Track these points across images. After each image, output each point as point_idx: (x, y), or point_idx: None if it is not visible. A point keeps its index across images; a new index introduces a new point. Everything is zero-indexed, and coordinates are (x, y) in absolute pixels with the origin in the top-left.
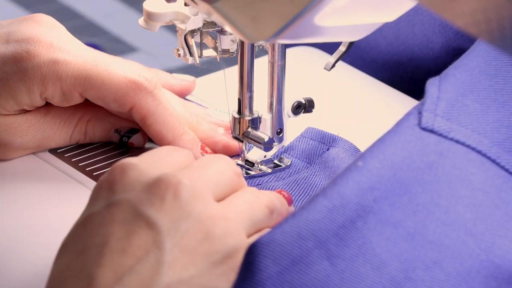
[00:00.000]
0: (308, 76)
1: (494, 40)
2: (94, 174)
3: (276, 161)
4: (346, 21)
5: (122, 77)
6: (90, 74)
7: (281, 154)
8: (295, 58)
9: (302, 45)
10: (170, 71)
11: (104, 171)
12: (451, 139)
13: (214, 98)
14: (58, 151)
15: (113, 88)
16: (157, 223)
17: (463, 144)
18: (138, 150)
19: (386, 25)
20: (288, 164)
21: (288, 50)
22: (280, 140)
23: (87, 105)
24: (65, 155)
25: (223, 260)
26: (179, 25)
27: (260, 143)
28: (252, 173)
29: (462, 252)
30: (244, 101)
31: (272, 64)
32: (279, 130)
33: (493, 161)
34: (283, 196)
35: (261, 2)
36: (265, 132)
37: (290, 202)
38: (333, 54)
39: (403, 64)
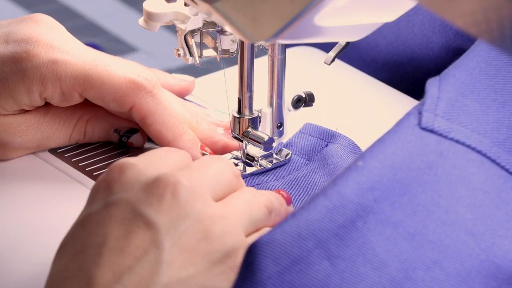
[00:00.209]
0: (308, 76)
1: (494, 40)
2: (94, 174)
3: (276, 155)
4: (346, 21)
5: (121, 77)
6: (89, 74)
7: (280, 149)
8: (295, 58)
9: (302, 45)
10: (170, 71)
11: (104, 171)
12: (451, 139)
13: (213, 98)
14: (58, 151)
15: (112, 88)
16: (155, 223)
17: (463, 144)
18: (137, 150)
19: (386, 25)
20: (288, 156)
21: (288, 50)
22: (280, 134)
23: (86, 105)
24: (65, 155)
25: (222, 259)
26: (179, 25)
27: (260, 142)
28: (252, 168)
29: (462, 252)
30: (244, 101)
31: (272, 58)
32: (279, 124)
33: (493, 161)
34: (282, 196)
35: (261, 2)
36: (265, 126)
37: (289, 201)
38: (333, 49)
39: (403, 64)
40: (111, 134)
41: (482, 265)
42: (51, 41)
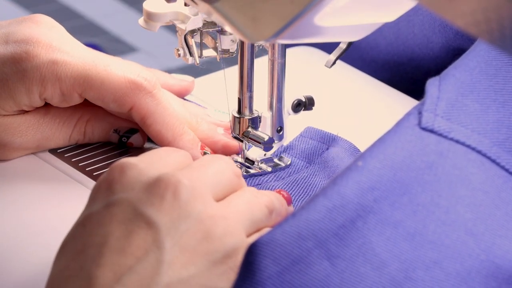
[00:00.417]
0: (308, 76)
1: (494, 40)
2: (94, 174)
3: (276, 160)
4: (346, 21)
5: (121, 78)
6: (89, 74)
7: (281, 154)
8: (295, 58)
9: (302, 45)
10: (170, 71)
11: (104, 171)
12: (451, 139)
13: (213, 98)
14: (58, 151)
15: (112, 89)
16: (156, 223)
17: (463, 144)
18: (137, 150)
19: (386, 25)
20: (288, 163)
21: (288, 50)
22: (280, 138)
23: (86, 105)
24: (65, 155)
25: (222, 259)
26: (179, 25)
27: (260, 142)
28: (252, 171)
29: (462, 252)
30: (244, 101)
31: (272, 62)
32: (279, 128)
33: (493, 161)
34: (283, 196)
35: (261, 2)
36: (265, 130)
37: (289, 202)
38: (334, 51)
39: (403, 64)
40: (110, 134)
41: (482, 265)
42: (51, 41)
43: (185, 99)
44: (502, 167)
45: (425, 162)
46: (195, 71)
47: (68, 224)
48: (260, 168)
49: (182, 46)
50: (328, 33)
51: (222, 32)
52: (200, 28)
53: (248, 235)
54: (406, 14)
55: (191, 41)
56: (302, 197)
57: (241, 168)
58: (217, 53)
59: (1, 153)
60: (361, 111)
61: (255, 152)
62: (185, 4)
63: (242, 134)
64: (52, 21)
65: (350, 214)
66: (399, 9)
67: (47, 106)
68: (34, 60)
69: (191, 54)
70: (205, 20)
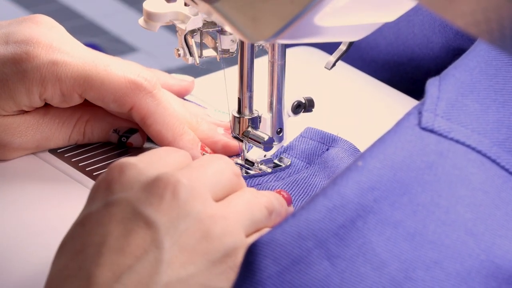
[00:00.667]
0: (308, 76)
1: (494, 40)
2: (94, 174)
3: (276, 161)
4: (346, 21)
5: (121, 78)
6: (89, 75)
7: (280, 154)
8: (295, 58)
9: (302, 45)
10: (170, 71)
11: (104, 171)
12: (451, 139)
13: (213, 98)
14: (58, 151)
15: (112, 89)
16: (155, 222)
17: (463, 144)
18: (137, 150)
19: (386, 25)
20: (288, 164)
21: (288, 50)
22: (280, 139)
23: (85, 105)
24: (65, 155)
25: (222, 259)
26: (179, 25)
27: (260, 142)
28: (252, 172)
29: (462, 252)
30: (244, 101)
31: (272, 64)
32: (279, 130)
33: (493, 161)
34: (283, 196)
35: (261, 2)
36: (265, 131)
37: (289, 202)
38: (334, 53)
39: (403, 64)
40: (110, 135)
41: (482, 265)
42: (51, 42)
43: (185, 99)
44: (502, 167)
45: (425, 162)
46: (195, 71)
47: (68, 224)
48: (260, 169)
49: (182, 46)
50: (328, 33)
51: (222, 32)
52: (200, 28)
53: (248, 235)
54: (406, 14)
55: (191, 41)
56: (302, 197)
57: (241, 169)
58: (217, 53)
59: (1, 153)
60: (361, 111)
61: (255, 154)
62: (185, 4)
63: (242, 134)
64: (52, 21)
65: (350, 214)
66: (399, 9)
67: (46, 106)
68: (34, 60)
69: (191, 54)
70: (205, 20)
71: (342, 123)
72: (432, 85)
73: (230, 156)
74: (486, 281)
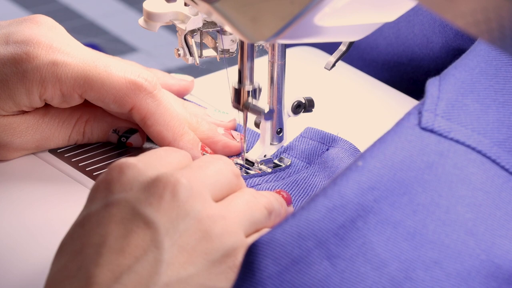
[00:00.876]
0: (308, 76)
1: (494, 40)
2: (94, 174)
3: (276, 161)
4: (346, 21)
5: (121, 78)
6: (89, 75)
7: (280, 154)
8: (295, 58)
9: (302, 45)
10: (170, 71)
11: (104, 171)
12: (451, 139)
13: (213, 98)
14: (58, 151)
15: (113, 89)
16: (155, 223)
17: (463, 144)
18: (137, 150)
19: (386, 25)
20: (288, 164)
21: (288, 50)
22: (280, 139)
23: (85, 105)
24: (65, 155)
25: (221, 259)
26: (179, 25)
27: (260, 113)
28: (252, 172)
29: (462, 252)
30: (244, 72)
31: (272, 64)
32: (279, 130)
33: (493, 161)
34: (282, 196)
35: (261, 2)
36: (264, 132)
37: (289, 202)
38: (334, 54)
39: (403, 64)
40: (110, 135)
41: (482, 265)
42: (51, 42)
43: (185, 99)
44: (502, 167)
45: (425, 162)
46: (195, 71)
47: (68, 224)
48: (260, 169)
49: (182, 46)
50: (328, 33)
51: (222, 32)
52: (200, 28)
53: (247, 236)
54: (406, 14)
55: (191, 41)
56: (302, 197)
57: (241, 169)
58: (217, 53)
59: (1, 153)
60: (361, 111)
61: (255, 154)
62: (185, 4)
63: (243, 105)
64: (53, 21)
65: (350, 214)
66: (399, 9)
67: (46, 106)
68: (34, 61)
69: (191, 54)
70: (205, 20)
71: (342, 123)
72: (432, 85)
73: (230, 156)
74: (486, 281)
